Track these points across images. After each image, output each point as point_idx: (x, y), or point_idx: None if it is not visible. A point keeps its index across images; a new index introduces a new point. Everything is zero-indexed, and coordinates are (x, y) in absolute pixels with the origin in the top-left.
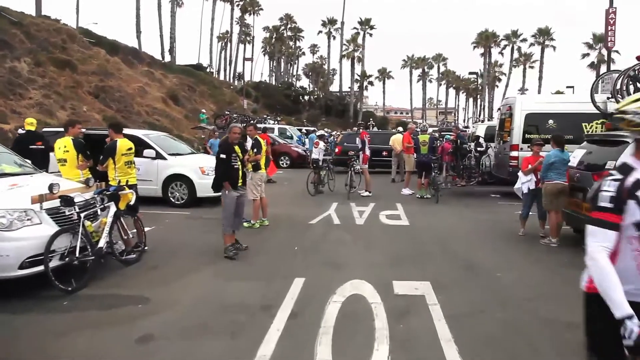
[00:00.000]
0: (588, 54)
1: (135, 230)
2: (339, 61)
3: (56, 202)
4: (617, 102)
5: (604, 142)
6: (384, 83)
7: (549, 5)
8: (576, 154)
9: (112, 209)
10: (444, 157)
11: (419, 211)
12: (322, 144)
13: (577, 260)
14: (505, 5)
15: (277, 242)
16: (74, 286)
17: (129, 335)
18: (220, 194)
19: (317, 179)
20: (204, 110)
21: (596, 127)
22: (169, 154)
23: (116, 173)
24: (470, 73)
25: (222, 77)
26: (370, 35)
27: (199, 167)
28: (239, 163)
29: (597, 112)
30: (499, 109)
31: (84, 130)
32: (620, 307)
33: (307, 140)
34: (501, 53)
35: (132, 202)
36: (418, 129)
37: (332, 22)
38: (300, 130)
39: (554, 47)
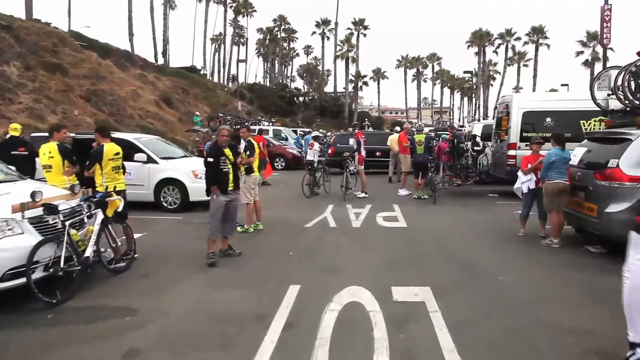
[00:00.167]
0: (582, 52)
1: (124, 238)
2: (333, 62)
3: (39, 211)
4: (618, 98)
5: (605, 139)
6: (378, 83)
7: (543, 4)
8: (577, 152)
9: (99, 216)
10: (441, 157)
11: (417, 212)
12: (317, 145)
13: (579, 261)
14: (499, 5)
15: (272, 246)
16: (59, 298)
17: (115, 350)
18: None
19: (313, 181)
20: (197, 113)
21: (594, 125)
22: (161, 158)
23: (103, 179)
24: (465, 72)
25: (216, 79)
26: (364, 35)
27: (192, 171)
28: (230, 166)
29: (596, 109)
30: (496, 107)
31: (72, 134)
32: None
33: (304, 141)
34: (495, 52)
35: (120, 209)
36: (414, 129)
37: (325, 22)
38: (295, 132)
39: (548, 46)
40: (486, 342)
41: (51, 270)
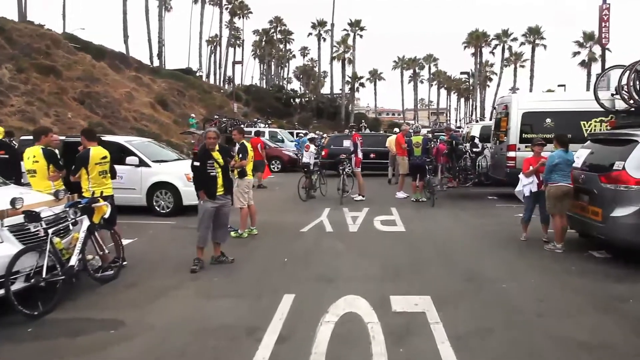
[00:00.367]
0: (579, 53)
1: (113, 244)
2: (330, 63)
3: (20, 218)
4: (623, 98)
5: (609, 141)
6: (375, 84)
7: (539, 5)
8: (580, 154)
9: (85, 223)
10: (439, 159)
11: (415, 216)
12: (313, 148)
13: (584, 267)
14: (496, 5)
15: (266, 253)
16: (41, 310)
17: None
18: None
19: (309, 184)
20: (193, 115)
21: (595, 126)
22: (154, 161)
23: (90, 184)
24: (462, 73)
25: (212, 81)
26: (361, 36)
27: (185, 174)
28: (219, 170)
29: (597, 109)
30: (494, 108)
31: (62, 138)
32: None
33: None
34: (492, 53)
35: (107, 215)
36: (411, 130)
37: (322, 24)
38: (292, 133)
39: (545, 46)
40: (491, 358)
41: (32, 280)
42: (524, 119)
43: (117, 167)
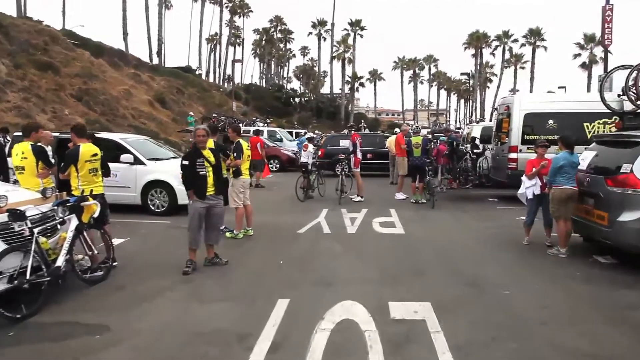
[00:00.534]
0: (579, 54)
1: (103, 244)
2: (330, 62)
3: (4, 217)
4: (630, 99)
5: (615, 143)
6: (375, 85)
7: (540, 6)
8: (585, 157)
9: (74, 222)
10: (439, 160)
11: (414, 217)
12: (311, 147)
13: (589, 273)
14: (497, 7)
15: (261, 255)
16: (24, 313)
17: None
18: None
19: (307, 184)
20: (191, 113)
21: (598, 127)
22: (149, 159)
23: (79, 182)
24: (462, 74)
25: (211, 80)
26: (361, 36)
27: (180, 173)
28: (209, 169)
29: (600, 111)
30: (496, 108)
31: (55, 134)
32: None
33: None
34: (492, 54)
35: (96, 214)
36: (411, 131)
37: (322, 23)
38: (291, 133)
39: (545, 48)
40: None
41: (16, 282)
42: (526, 120)
43: (111, 164)
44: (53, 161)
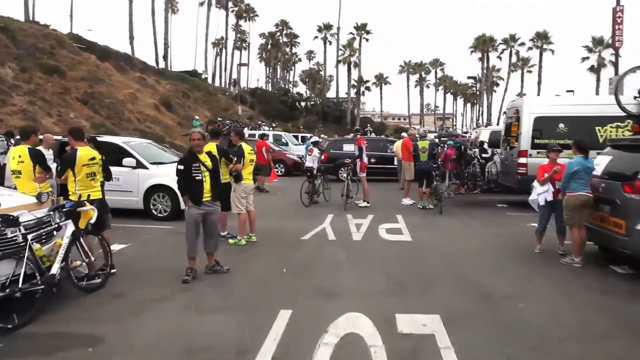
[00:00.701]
0: (588, 58)
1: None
2: (335, 66)
3: None
4: None
5: (632, 147)
6: (381, 89)
7: (547, 9)
8: (600, 162)
9: (70, 228)
10: (447, 164)
11: (422, 224)
12: (316, 151)
13: (606, 284)
14: (503, 9)
15: (264, 262)
16: (16, 323)
17: None
18: None
19: (312, 189)
20: (197, 117)
21: (610, 131)
22: (151, 163)
23: (76, 186)
24: (469, 77)
25: (217, 84)
26: (367, 40)
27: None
28: (206, 174)
29: (612, 114)
30: (505, 112)
31: (57, 137)
32: None
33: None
34: (499, 57)
35: (92, 220)
36: (418, 135)
37: (327, 27)
38: (297, 137)
39: (553, 51)
40: None
41: (7, 290)
42: (535, 123)
43: (113, 168)
44: (55, 165)
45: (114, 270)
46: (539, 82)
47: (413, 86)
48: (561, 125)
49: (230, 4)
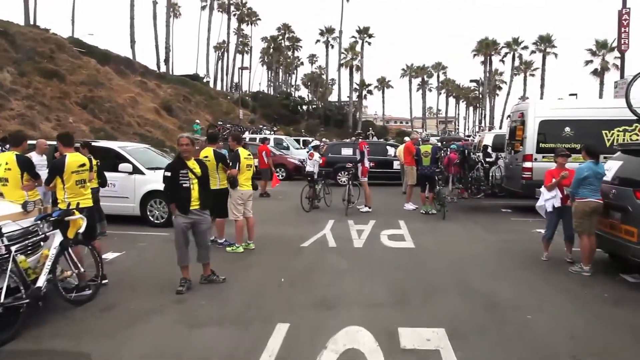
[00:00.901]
0: (591, 61)
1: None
2: (338, 70)
3: None
4: None
5: None
6: (383, 92)
7: (550, 12)
8: (610, 167)
9: (57, 238)
10: (450, 169)
11: (425, 230)
12: (317, 156)
13: (618, 295)
14: (506, 13)
15: (262, 271)
16: None
17: None
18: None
19: (312, 194)
20: (198, 121)
21: (617, 135)
22: (148, 168)
23: (65, 194)
24: (471, 81)
25: (219, 88)
26: (369, 43)
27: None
28: (194, 181)
29: (620, 118)
30: (509, 116)
31: (51, 143)
32: None
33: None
34: (502, 61)
35: (82, 230)
36: (420, 139)
37: (330, 30)
38: (298, 141)
39: (556, 55)
40: None
41: None
42: (541, 127)
43: (109, 174)
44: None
45: (106, 281)
46: (542, 86)
47: (415, 90)
48: (567, 129)
49: (232, 8)
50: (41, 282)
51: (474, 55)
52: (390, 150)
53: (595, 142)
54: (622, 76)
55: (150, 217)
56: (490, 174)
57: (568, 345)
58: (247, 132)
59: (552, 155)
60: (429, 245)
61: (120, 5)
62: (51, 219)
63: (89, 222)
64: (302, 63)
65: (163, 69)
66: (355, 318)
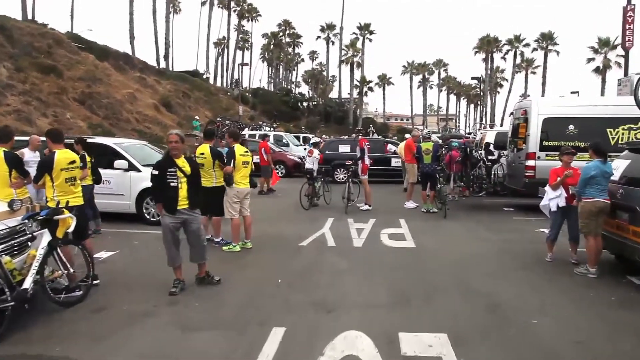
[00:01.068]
0: (593, 59)
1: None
2: (338, 66)
3: None
4: None
5: None
6: (384, 89)
7: (552, 10)
8: (617, 166)
9: (45, 238)
10: (452, 167)
11: (426, 229)
12: (316, 153)
13: (626, 298)
14: (508, 10)
15: (258, 271)
16: None
17: None
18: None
19: (312, 191)
20: (197, 117)
21: (622, 133)
22: (144, 165)
23: (55, 192)
24: (473, 78)
25: (219, 84)
26: (370, 40)
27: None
28: (183, 180)
29: (625, 116)
30: (512, 113)
31: (44, 139)
32: None
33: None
34: (503, 58)
35: (71, 229)
36: (421, 136)
37: (330, 27)
38: (298, 137)
39: (558, 52)
40: None
41: None
42: (544, 125)
43: (105, 171)
44: None
45: (97, 282)
46: (544, 83)
47: (416, 87)
48: (571, 126)
49: (232, 4)
50: (27, 283)
51: (475, 52)
52: (390, 148)
53: (600, 140)
54: (626, 73)
55: (146, 215)
56: (493, 172)
57: (576, 350)
58: (246, 129)
59: (556, 153)
60: (430, 245)
61: (119, 1)
62: (39, 218)
63: (80, 221)
64: (302, 59)
65: (162, 64)
66: (354, 322)
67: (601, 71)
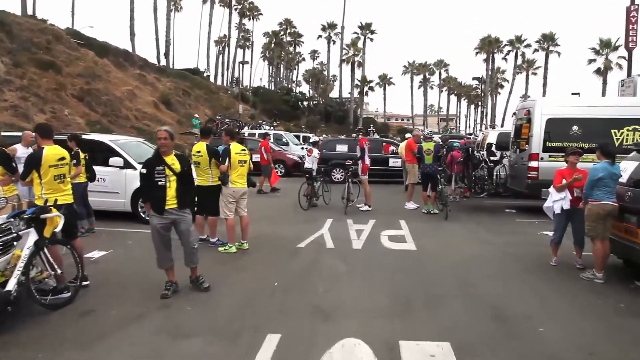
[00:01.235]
0: (594, 60)
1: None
2: (339, 65)
3: None
4: None
5: None
6: (384, 89)
7: (554, 11)
8: (625, 167)
9: (32, 237)
10: (453, 167)
11: (427, 230)
12: (316, 152)
13: (634, 304)
14: (509, 11)
15: (254, 274)
16: None
17: None
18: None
19: (311, 191)
20: (196, 115)
21: (627, 134)
22: (140, 163)
23: (43, 190)
24: (474, 79)
25: (219, 82)
26: (371, 40)
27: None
28: (172, 178)
29: (630, 117)
30: (514, 113)
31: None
32: None
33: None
34: (504, 59)
35: (58, 228)
36: (422, 136)
37: (332, 26)
38: (298, 137)
39: (559, 53)
40: None
41: None
42: (548, 125)
43: (100, 168)
44: None
45: (87, 283)
46: (545, 84)
47: (417, 87)
48: (575, 127)
49: (233, 2)
50: (11, 285)
51: (477, 53)
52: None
53: (607, 141)
54: (629, 74)
55: (141, 214)
56: (495, 173)
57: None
58: (246, 127)
59: (559, 154)
60: (431, 247)
61: None
62: (25, 216)
63: (69, 219)
64: (303, 59)
65: (163, 62)
66: (352, 329)
67: (602, 72)
